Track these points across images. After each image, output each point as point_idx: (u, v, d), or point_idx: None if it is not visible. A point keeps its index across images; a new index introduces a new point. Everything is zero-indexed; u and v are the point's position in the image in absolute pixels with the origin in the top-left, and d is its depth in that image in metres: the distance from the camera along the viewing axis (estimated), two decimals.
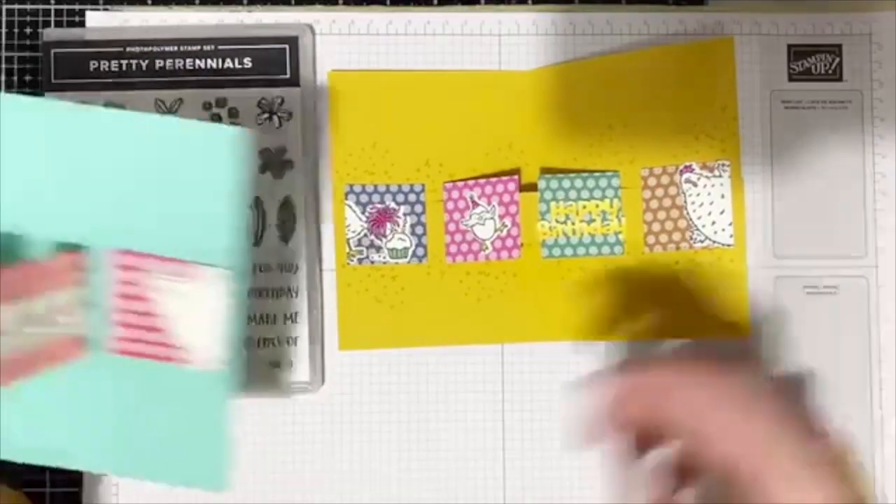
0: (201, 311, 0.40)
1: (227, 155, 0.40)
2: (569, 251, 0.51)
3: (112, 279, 0.40)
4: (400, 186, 0.52)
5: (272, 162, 0.52)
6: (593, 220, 0.51)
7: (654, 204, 0.51)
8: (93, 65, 0.52)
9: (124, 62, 0.52)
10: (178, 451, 0.41)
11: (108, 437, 0.41)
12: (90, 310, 0.40)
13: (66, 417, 0.41)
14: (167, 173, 0.40)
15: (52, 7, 0.53)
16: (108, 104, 0.40)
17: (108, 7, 0.52)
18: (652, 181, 0.51)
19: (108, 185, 0.40)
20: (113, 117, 0.40)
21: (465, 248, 0.51)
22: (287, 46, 0.52)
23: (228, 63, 0.52)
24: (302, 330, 0.51)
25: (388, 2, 0.53)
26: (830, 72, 0.53)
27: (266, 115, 0.52)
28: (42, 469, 0.46)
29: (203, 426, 0.41)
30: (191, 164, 0.40)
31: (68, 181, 0.40)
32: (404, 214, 0.52)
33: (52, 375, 0.39)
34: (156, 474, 0.42)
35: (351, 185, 0.51)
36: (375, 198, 0.52)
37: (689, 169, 0.50)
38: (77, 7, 0.53)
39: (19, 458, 0.41)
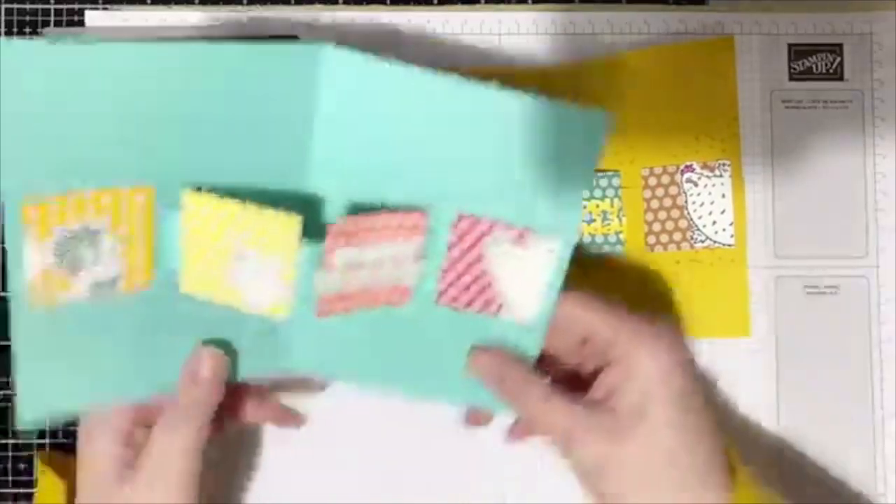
0: (530, 277, 0.42)
1: (588, 134, 0.41)
2: None
3: (451, 239, 0.42)
4: None
5: None
6: (594, 220, 0.51)
7: (654, 204, 0.50)
8: None
9: None
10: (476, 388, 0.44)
11: (408, 368, 0.45)
12: (423, 263, 0.42)
13: (374, 348, 0.44)
14: (521, 145, 0.41)
15: (52, 7, 0.53)
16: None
17: (108, 7, 0.52)
18: (652, 181, 0.51)
19: (462, 152, 0.41)
20: (473, 91, 0.40)
21: None
22: None
23: None
24: None
25: (388, 1, 0.53)
26: (831, 71, 0.53)
27: None
28: None
29: None
30: (550, 139, 0.41)
31: (426, 146, 0.41)
32: None
33: (368, 316, 0.42)
34: (451, 398, 0.46)
35: None
36: None
37: (689, 169, 0.50)
38: (77, 7, 0.52)
39: (314, 370, 0.45)
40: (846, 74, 0.53)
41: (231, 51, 0.38)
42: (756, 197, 0.52)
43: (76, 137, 0.36)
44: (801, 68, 0.53)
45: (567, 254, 0.43)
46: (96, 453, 0.42)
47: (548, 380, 0.44)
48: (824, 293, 0.52)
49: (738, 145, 0.51)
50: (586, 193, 0.50)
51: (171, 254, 0.39)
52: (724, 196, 0.50)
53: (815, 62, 0.53)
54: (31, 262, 0.36)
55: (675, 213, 0.50)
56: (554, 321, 0.44)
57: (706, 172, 0.50)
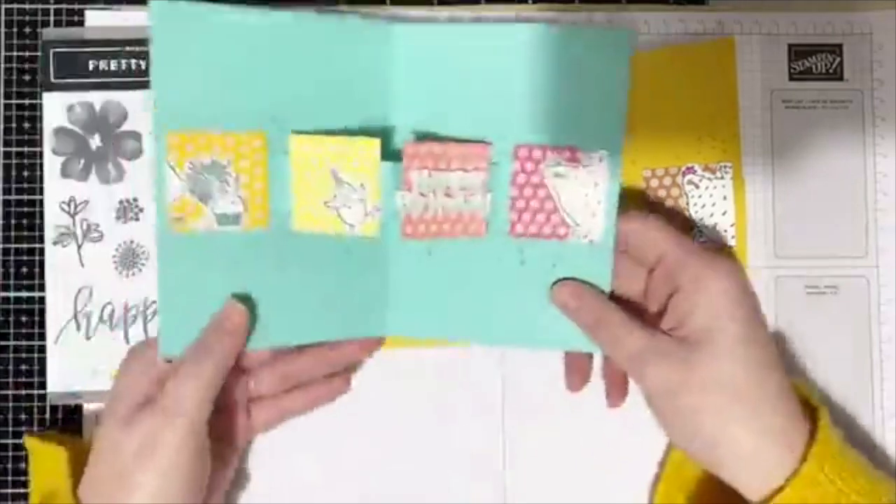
0: (588, 191, 0.46)
1: (617, 54, 0.46)
2: None
3: (513, 168, 0.47)
4: None
5: None
6: None
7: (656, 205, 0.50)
8: (92, 64, 0.51)
9: (123, 61, 0.52)
10: (557, 319, 0.47)
11: (492, 311, 0.48)
12: (491, 196, 0.47)
13: (458, 292, 0.48)
14: (562, 74, 0.46)
15: (52, 6, 0.53)
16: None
17: (108, 7, 0.52)
18: (654, 182, 0.50)
19: (513, 91, 0.47)
20: (511, 31, 0.47)
21: None
22: None
23: None
24: None
25: (388, 1, 0.53)
26: (831, 71, 0.53)
27: None
28: None
29: None
30: (584, 64, 0.46)
31: (483, 89, 0.47)
32: None
33: (452, 253, 0.47)
34: (535, 341, 0.48)
35: None
36: None
37: (690, 170, 0.50)
38: (76, 6, 0.52)
39: (407, 332, 0.49)
40: (846, 74, 0.53)
41: (322, 24, 0.46)
42: (756, 197, 0.52)
43: (209, 88, 0.44)
44: (801, 68, 0.53)
45: (617, 166, 0.46)
46: (122, 387, 0.45)
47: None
48: (824, 293, 0.52)
49: (739, 146, 0.51)
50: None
51: (283, 197, 0.46)
52: (725, 198, 0.50)
53: (815, 62, 0.53)
54: (171, 188, 0.45)
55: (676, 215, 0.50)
56: (633, 240, 0.46)
57: (707, 175, 0.50)
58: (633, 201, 0.50)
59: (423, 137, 0.47)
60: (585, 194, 0.46)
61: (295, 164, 0.45)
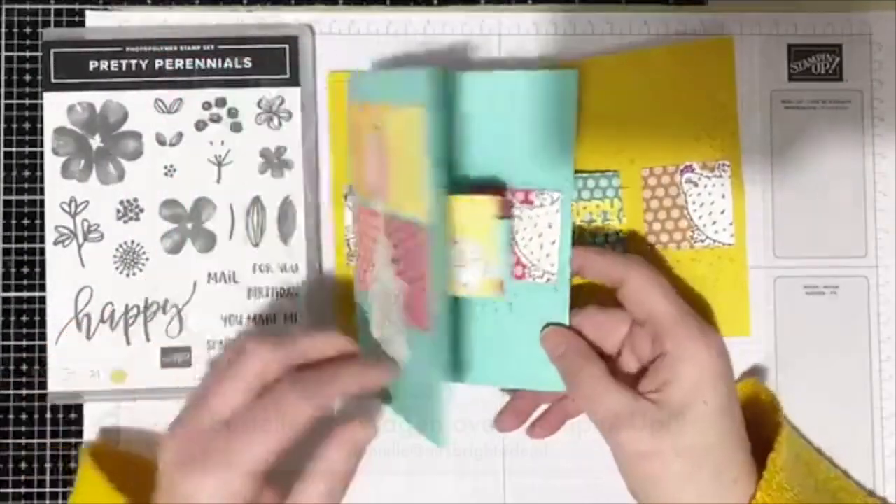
0: (542, 231, 0.47)
1: (566, 92, 0.47)
2: None
3: None
4: None
5: (272, 162, 0.52)
6: (594, 220, 0.51)
7: (654, 204, 0.50)
8: (92, 65, 0.52)
9: (124, 62, 0.52)
10: (530, 359, 0.48)
11: (498, 355, 0.49)
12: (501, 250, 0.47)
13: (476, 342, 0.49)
14: (512, 121, 0.47)
15: (52, 7, 0.53)
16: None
17: (108, 7, 0.52)
18: (652, 181, 0.51)
19: (476, 142, 0.48)
20: (466, 78, 0.47)
21: None
22: (287, 46, 0.52)
23: (228, 63, 0.52)
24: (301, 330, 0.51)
25: (388, 2, 0.53)
26: (830, 72, 0.53)
27: (266, 115, 0.52)
28: None
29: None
30: (530, 109, 0.47)
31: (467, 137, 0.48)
32: None
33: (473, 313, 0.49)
34: (494, 380, 0.50)
35: (350, 186, 0.51)
36: None
37: (689, 169, 0.50)
38: (77, 7, 0.53)
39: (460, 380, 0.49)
40: (846, 74, 0.53)
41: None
42: (756, 197, 0.52)
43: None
44: (801, 68, 0.53)
45: (569, 207, 0.47)
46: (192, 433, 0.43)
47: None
48: (824, 293, 0.52)
49: (738, 145, 0.51)
50: (586, 194, 0.50)
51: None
52: (723, 196, 0.50)
53: (814, 62, 0.53)
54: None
55: (675, 213, 0.50)
56: (629, 289, 0.45)
57: (706, 173, 0.50)
58: (632, 201, 0.51)
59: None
60: (540, 234, 0.47)
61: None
